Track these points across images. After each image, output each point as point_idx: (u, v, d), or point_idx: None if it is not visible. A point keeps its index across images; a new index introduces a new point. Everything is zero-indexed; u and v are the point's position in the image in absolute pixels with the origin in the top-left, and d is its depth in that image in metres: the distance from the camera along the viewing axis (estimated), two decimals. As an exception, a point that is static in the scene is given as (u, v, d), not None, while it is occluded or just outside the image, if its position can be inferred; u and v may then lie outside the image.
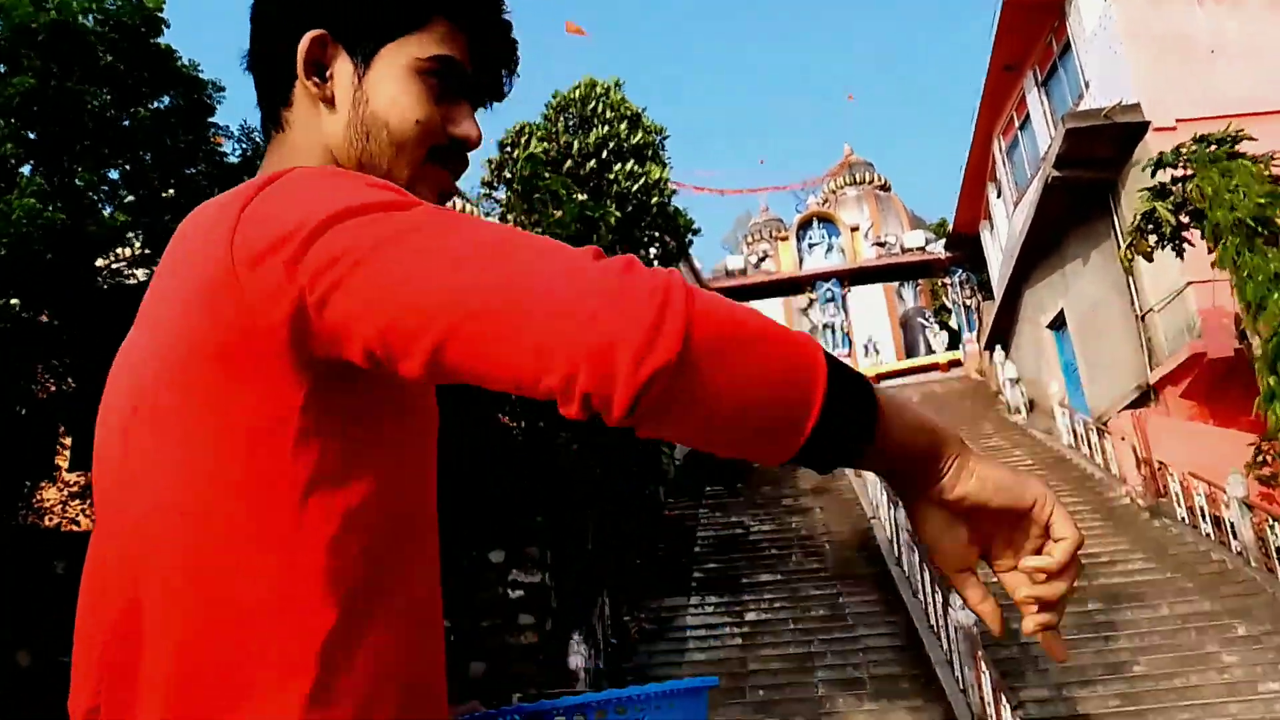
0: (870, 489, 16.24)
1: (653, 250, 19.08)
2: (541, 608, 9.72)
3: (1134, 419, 15.30)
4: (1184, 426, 14.74)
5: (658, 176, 16.94)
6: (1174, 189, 12.59)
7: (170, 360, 0.74)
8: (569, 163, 16.47)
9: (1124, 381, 16.81)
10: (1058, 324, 20.46)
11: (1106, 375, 17.73)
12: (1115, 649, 10.41)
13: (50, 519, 14.54)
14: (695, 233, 19.34)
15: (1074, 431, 17.84)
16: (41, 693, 8.03)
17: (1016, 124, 21.45)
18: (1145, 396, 16.09)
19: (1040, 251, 20.12)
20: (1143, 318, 16.35)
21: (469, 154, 0.95)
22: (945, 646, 10.42)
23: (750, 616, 12.72)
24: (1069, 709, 9.41)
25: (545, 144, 16.99)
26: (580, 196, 14.34)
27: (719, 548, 15.58)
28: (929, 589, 11.30)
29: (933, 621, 11.14)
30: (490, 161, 15.66)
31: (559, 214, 13.67)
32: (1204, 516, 12.78)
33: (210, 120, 15.11)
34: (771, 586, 13.61)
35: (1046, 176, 17.36)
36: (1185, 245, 12.95)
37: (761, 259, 31.62)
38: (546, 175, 14.95)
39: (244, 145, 16.44)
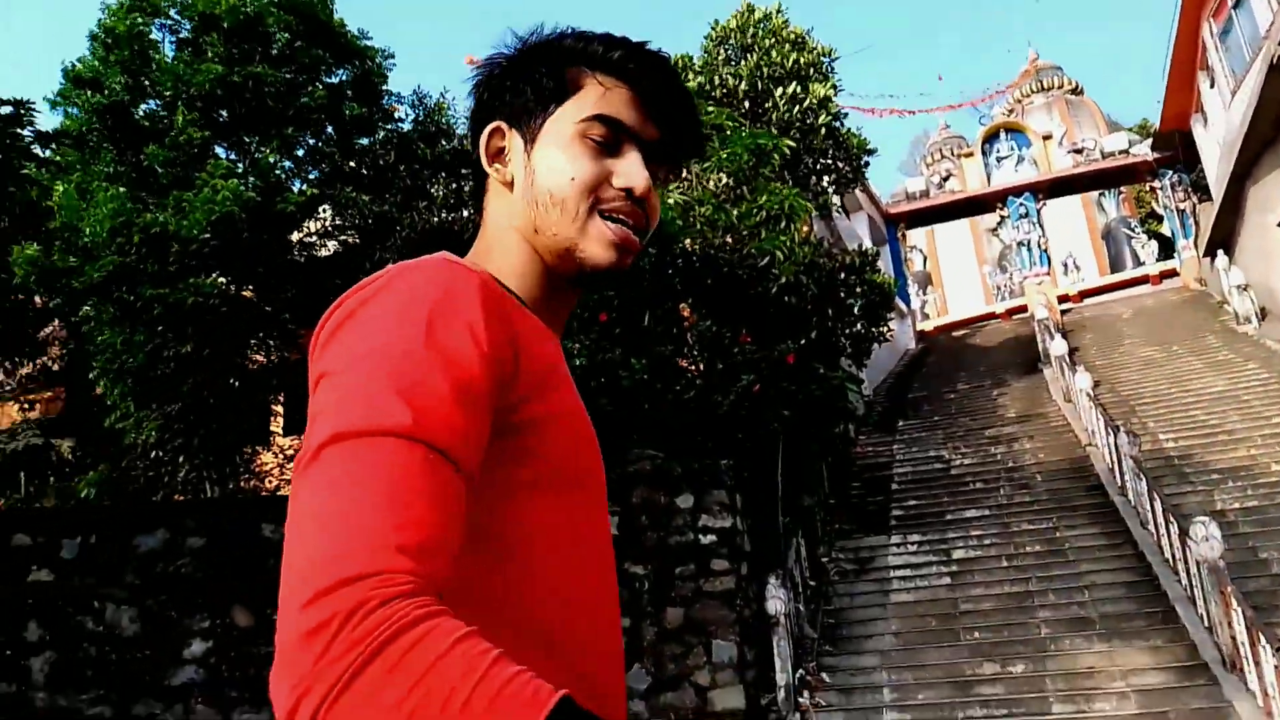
0: (1085, 414, 15.03)
1: (825, 179, 18.23)
2: (735, 551, 9.42)
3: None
4: None
5: (822, 95, 16.03)
6: None
7: None
8: (720, 92, 15.82)
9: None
10: (1292, 220, 18.24)
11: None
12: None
13: (270, 481, 15.45)
14: (870, 153, 18.28)
15: (1319, 338, 15.90)
16: (259, 646, 8.44)
17: (1229, 2, 19.10)
18: None
19: (1266, 143, 17.94)
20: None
21: (645, 204, 0.97)
22: (1184, 582, 9.45)
23: (958, 554, 12.02)
24: (1339, 648, 8.32)
25: (701, 77, 16.39)
26: (747, 128, 13.72)
27: (918, 484, 14.85)
28: (1162, 520, 10.28)
29: (1168, 554, 10.13)
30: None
31: (727, 151, 13.12)
32: None
33: (383, 89, 15.37)
34: (979, 522, 12.82)
35: (1271, 55, 15.35)
36: None
37: (945, 179, 29.86)
38: (710, 109, 14.38)
39: (417, 111, 16.70)
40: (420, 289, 0.81)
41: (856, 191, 26.09)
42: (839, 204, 21.86)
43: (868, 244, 21.14)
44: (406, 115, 17.15)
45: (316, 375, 0.79)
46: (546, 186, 0.94)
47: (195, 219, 11.82)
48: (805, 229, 16.19)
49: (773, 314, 12.54)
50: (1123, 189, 39.48)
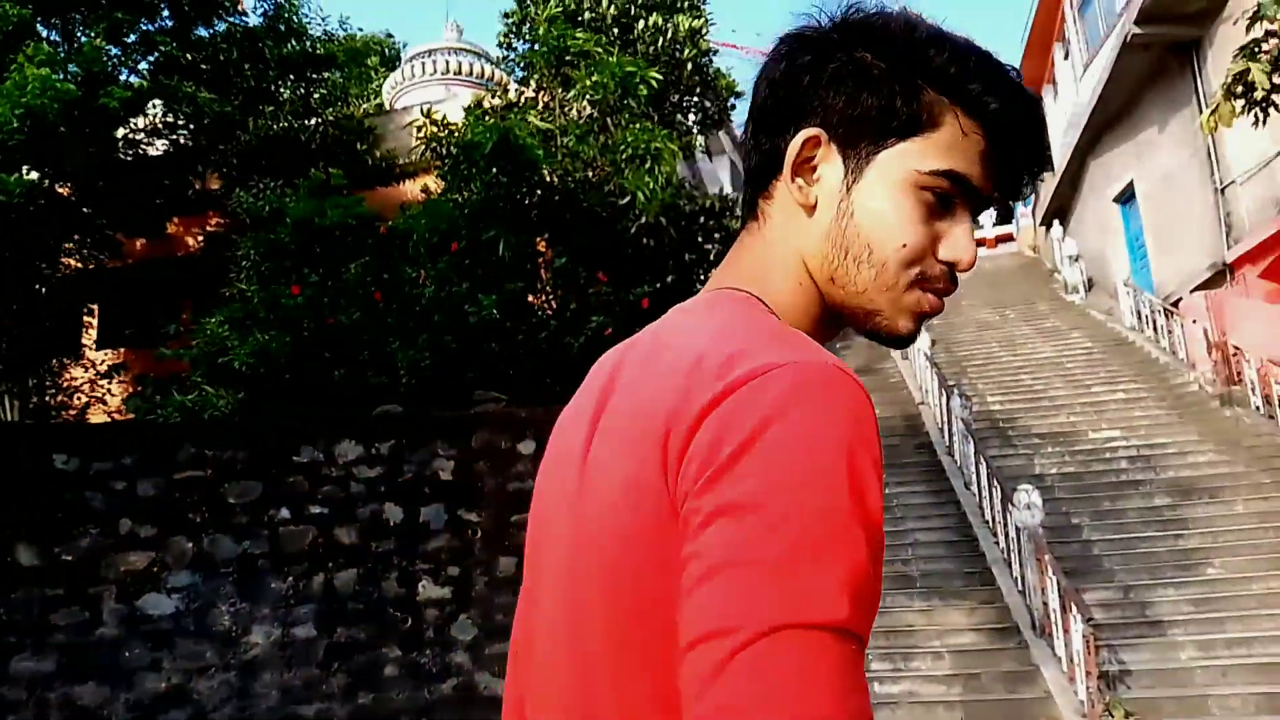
0: (920, 373, 15.48)
1: (691, 117, 17.92)
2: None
3: (1207, 299, 14.30)
4: (1264, 308, 13.72)
5: (689, 28, 15.63)
6: (1270, 46, 11.27)
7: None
8: (590, 16, 15.23)
9: (1196, 260, 15.70)
10: (1125, 197, 19.17)
11: (1177, 253, 16.60)
12: (1186, 548, 9.76)
13: (79, 399, 14.25)
14: (738, 95, 18.04)
15: (1138, 312, 16.83)
16: (44, 588, 7.70)
17: (1091, -24, 19.69)
18: (1220, 276, 15.01)
19: (1112, 118, 18.70)
20: (1223, 190, 15.11)
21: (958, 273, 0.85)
22: (1002, 545, 9.83)
23: (793, 506, 12.17)
24: (1138, 613, 8.83)
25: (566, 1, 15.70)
26: (616, 56, 13.20)
27: (760, 433, 14.97)
28: (984, 482, 10.65)
29: (988, 517, 10.53)
30: (507, 15, 14.50)
31: (593, 79, 12.58)
32: (1284, 406, 11.92)
33: (230, -22, 14.07)
34: (815, 475, 13.01)
35: (1125, 33, 15.87)
36: (1275, 109, 11.70)
37: (806, 128, 29.98)
38: (578, 35, 13.77)
39: (266, 4, 15.37)
40: (836, 417, 0.68)
41: (721, 134, 25.92)
42: (703, 145, 21.59)
43: (729, 190, 21.04)
44: (256, 8, 15.81)
45: (715, 504, 0.66)
46: (866, 240, 0.81)
47: (2, 110, 10.55)
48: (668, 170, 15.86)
49: (630, 256, 12.24)
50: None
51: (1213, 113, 12.11)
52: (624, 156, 12.32)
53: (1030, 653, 8.32)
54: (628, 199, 12.20)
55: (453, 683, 8.44)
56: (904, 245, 0.81)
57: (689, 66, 16.58)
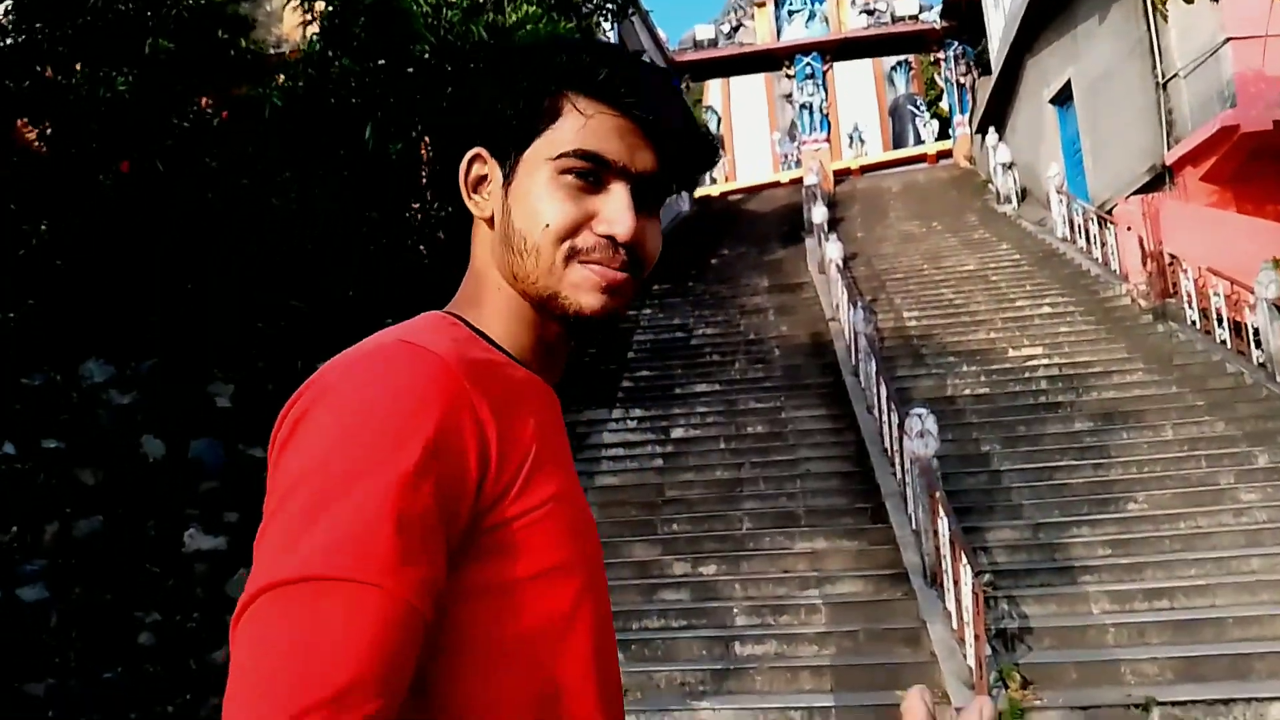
0: (833, 285, 14.06)
1: (592, 2, 16.03)
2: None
3: (1143, 204, 12.95)
4: (1204, 214, 12.44)
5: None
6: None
7: None
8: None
9: (1135, 163, 14.36)
10: (1062, 98, 17.73)
11: (1115, 156, 15.24)
12: (1107, 480, 8.52)
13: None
14: (642, -17, 16.19)
15: (1070, 222, 15.52)
16: None
17: None
18: (1159, 180, 13.68)
19: (1049, 9, 17.14)
20: (1164, 85, 13.69)
21: (637, 250, 0.84)
22: (899, 478, 8.52)
23: (677, 433, 10.80)
24: (1045, 557, 7.58)
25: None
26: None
27: (655, 354, 13.54)
28: (885, 404, 9.30)
29: (887, 444, 9.20)
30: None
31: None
32: (1220, 321, 10.69)
33: None
34: (707, 398, 11.64)
35: (1065, -91, 14.23)
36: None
37: (735, 29, 28.13)
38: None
39: None
40: (369, 395, 0.72)
41: (641, 33, 24.02)
42: (613, 39, 19.62)
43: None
44: None
45: (267, 497, 0.72)
46: (521, 231, 0.83)
47: None
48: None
49: None
50: (913, 66, 39.27)
51: (1157, -15, 10.67)
52: (516, 36, 10.50)
53: (918, 605, 7.03)
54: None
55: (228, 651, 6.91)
56: (547, 225, 0.82)
57: None
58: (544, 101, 0.82)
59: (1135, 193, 13.75)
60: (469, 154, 0.87)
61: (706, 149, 0.88)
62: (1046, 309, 12.93)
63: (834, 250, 14.36)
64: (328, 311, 8.35)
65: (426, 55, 9.56)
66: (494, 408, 0.75)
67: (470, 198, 0.87)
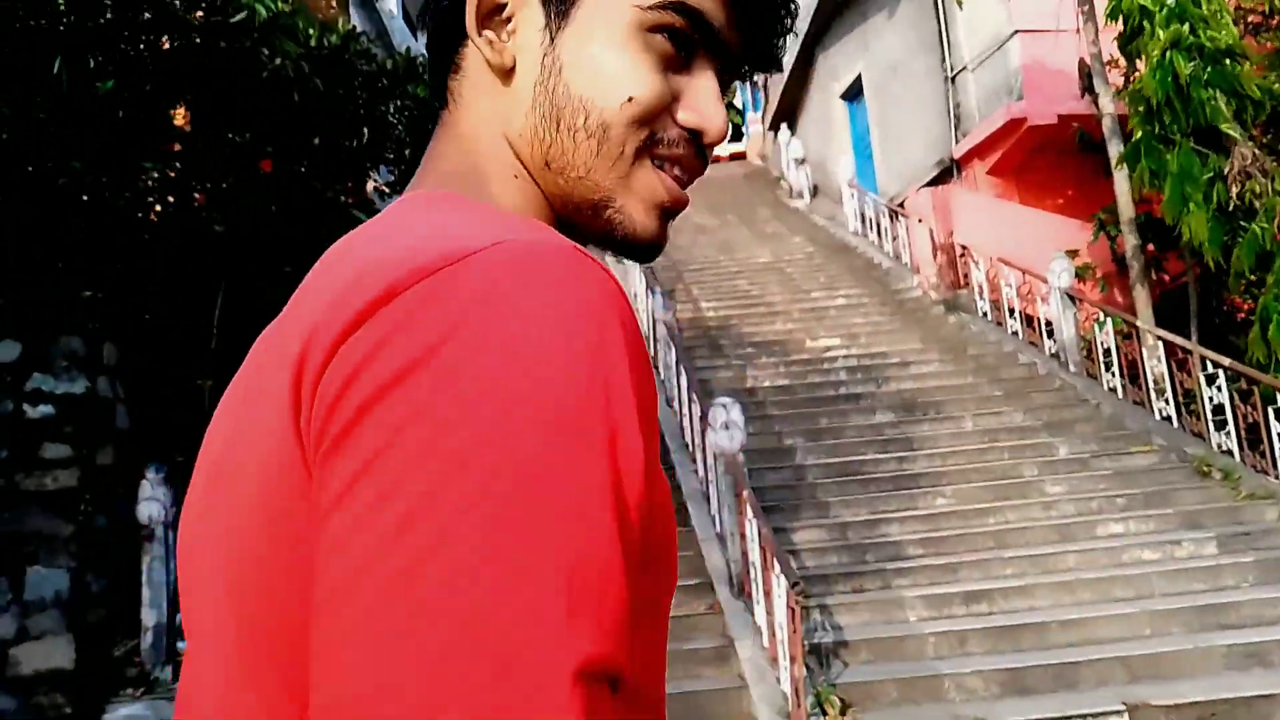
0: (630, 272, 13.27)
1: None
2: (90, 431, 6.18)
3: (933, 197, 12.93)
4: (994, 205, 12.51)
5: None
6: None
7: None
8: None
9: (924, 157, 14.41)
10: (853, 93, 17.80)
11: (904, 150, 15.30)
12: (912, 473, 8.09)
13: None
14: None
15: (862, 215, 15.47)
16: None
17: None
18: (947, 174, 13.75)
19: (840, 5, 17.14)
20: (953, 79, 13.78)
21: (708, 154, 0.64)
22: (701, 475, 7.76)
23: (457, 431, 9.63)
24: (855, 559, 6.99)
25: None
26: None
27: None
28: (685, 395, 8.55)
29: (688, 439, 8.45)
30: None
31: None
32: (1012, 313, 10.65)
33: None
34: (491, 392, 10.52)
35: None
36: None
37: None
38: None
39: None
40: (563, 317, 0.45)
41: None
42: None
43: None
44: None
45: (352, 468, 0.43)
46: (580, 99, 0.59)
47: None
48: (331, 11, 12.70)
49: (279, 121, 8.99)
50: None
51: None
52: None
53: (725, 620, 6.24)
54: (242, 15, 8.75)
55: None
56: (630, 98, 0.59)
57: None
58: None
59: (924, 186, 13.77)
60: None
61: (786, 36, 0.65)
62: (841, 300, 12.67)
63: (629, 236, 13.58)
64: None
65: None
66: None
67: (480, 30, 0.61)
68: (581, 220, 0.62)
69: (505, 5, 0.61)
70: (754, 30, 0.63)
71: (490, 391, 0.42)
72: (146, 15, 8.08)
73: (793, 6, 0.65)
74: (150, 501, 6.35)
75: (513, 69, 0.61)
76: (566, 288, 0.46)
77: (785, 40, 0.66)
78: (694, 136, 0.62)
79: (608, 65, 0.59)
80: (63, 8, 7.68)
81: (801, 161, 19.42)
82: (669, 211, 0.63)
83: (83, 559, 5.99)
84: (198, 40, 8.47)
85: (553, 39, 0.60)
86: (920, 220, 12.90)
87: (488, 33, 0.62)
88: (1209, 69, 7.17)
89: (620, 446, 0.43)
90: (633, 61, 0.59)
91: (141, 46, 8.30)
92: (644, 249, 0.63)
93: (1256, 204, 7.27)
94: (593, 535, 0.41)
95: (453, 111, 0.64)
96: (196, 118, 8.95)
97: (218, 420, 0.59)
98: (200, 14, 8.53)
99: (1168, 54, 7.17)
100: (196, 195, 9.15)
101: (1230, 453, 7.84)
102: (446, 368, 0.42)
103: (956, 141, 13.50)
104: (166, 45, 8.56)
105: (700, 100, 0.61)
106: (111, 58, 7.55)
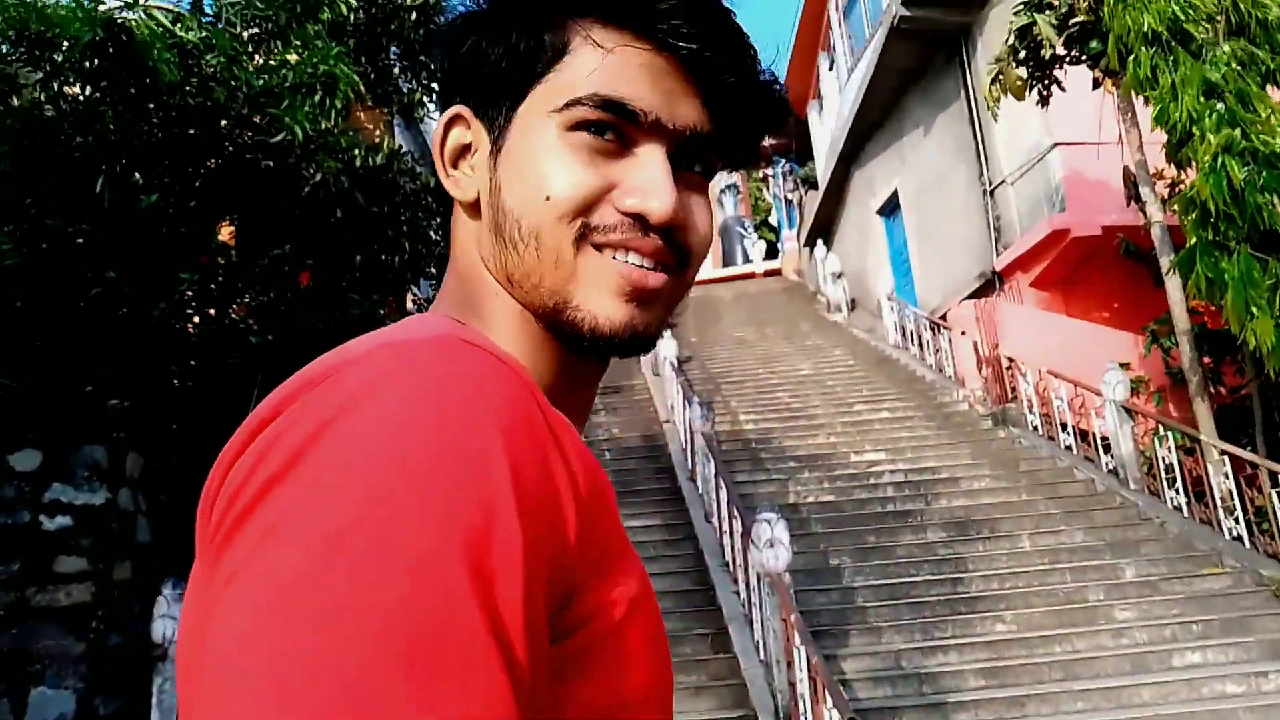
0: (667, 385, 13.08)
1: (411, 76, 14.99)
2: (108, 544, 5.97)
3: (977, 309, 12.70)
4: (1039, 317, 12.23)
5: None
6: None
7: None
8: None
9: (965, 269, 14.24)
10: (889, 209, 17.80)
11: (944, 263, 15.15)
12: (969, 596, 7.61)
13: None
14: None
15: (902, 328, 15.25)
16: None
17: (856, -21, 18.39)
18: (989, 286, 13.54)
19: (875, 123, 17.31)
20: (992, 192, 13.71)
21: (676, 235, 0.62)
22: (743, 596, 7.34)
23: (489, 548, 9.30)
24: (912, 690, 6.49)
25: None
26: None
27: (469, 456, 12.07)
28: (725, 510, 8.20)
29: (729, 556, 8.05)
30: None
31: None
32: (1065, 426, 10.24)
33: None
34: (525, 507, 10.22)
35: (893, 17, 14.33)
36: (1055, 89, 10.20)
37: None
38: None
39: None
40: (433, 414, 0.46)
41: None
42: (431, 109, 18.48)
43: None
44: None
45: (225, 572, 0.44)
46: (514, 211, 0.61)
47: None
48: (379, 133, 13.02)
49: (320, 236, 9.10)
50: (740, 189, 40.35)
51: (993, 82, 10.48)
52: (287, 83, 9.12)
53: (771, 758, 5.76)
54: (281, 136, 8.89)
55: None
56: (548, 197, 0.59)
57: (413, 15, 13.65)
58: (544, 33, 0.61)
59: (966, 299, 13.56)
60: (446, 115, 0.65)
61: (775, 99, 0.64)
62: (885, 414, 12.33)
63: (668, 349, 13.43)
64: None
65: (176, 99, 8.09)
66: (573, 447, 0.52)
67: (448, 174, 0.66)
68: (555, 329, 0.61)
69: (471, 144, 0.64)
70: (715, 104, 0.61)
71: (337, 502, 0.42)
72: (192, 132, 8.22)
73: (745, 72, 0.62)
74: (165, 619, 6.07)
75: (477, 200, 0.64)
76: (428, 380, 0.46)
77: (761, 113, 0.64)
78: (640, 221, 0.59)
79: (529, 173, 0.60)
80: (111, 125, 7.84)
81: (839, 276, 19.37)
82: (636, 296, 0.59)
83: (93, 680, 5.69)
84: (246, 157, 8.61)
85: (494, 164, 0.62)
86: (964, 332, 12.64)
87: (455, 172, 0.65)
88: (1264, 173, 6.96)
89: (493, 538, 0.42)
90: (555, 162, 0.59)
91: (188, 165, 8.44)
92: (619, 341, 0.60)
93: (1326, 311, 6.94)
94: (433, 617, 0.40)
95: (451, 247, 0.68)
96: (241, 233, 9.05)
97: None
98: (249, 134, 8.68)
99: (1220, 158, 6.98)
100: (235, 308, 9.18)
101: (1311, 575, 7.31)
102: (303, 478, 0.43)
103: (998, 254, 13.34)
104: (212, 164, 8.71)
105: (639, 182, 0.59)
106: (157, 173, 7.64)
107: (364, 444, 0.43)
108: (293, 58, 9.27)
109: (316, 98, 9.12)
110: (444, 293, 0.67)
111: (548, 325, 0.61)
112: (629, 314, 0.59)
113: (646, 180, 0.59)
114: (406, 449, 0.43)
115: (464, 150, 0.65)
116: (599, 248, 0.60)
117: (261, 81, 8.84)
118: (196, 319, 8.70)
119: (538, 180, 0.60)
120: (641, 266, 0.60)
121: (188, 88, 8.39)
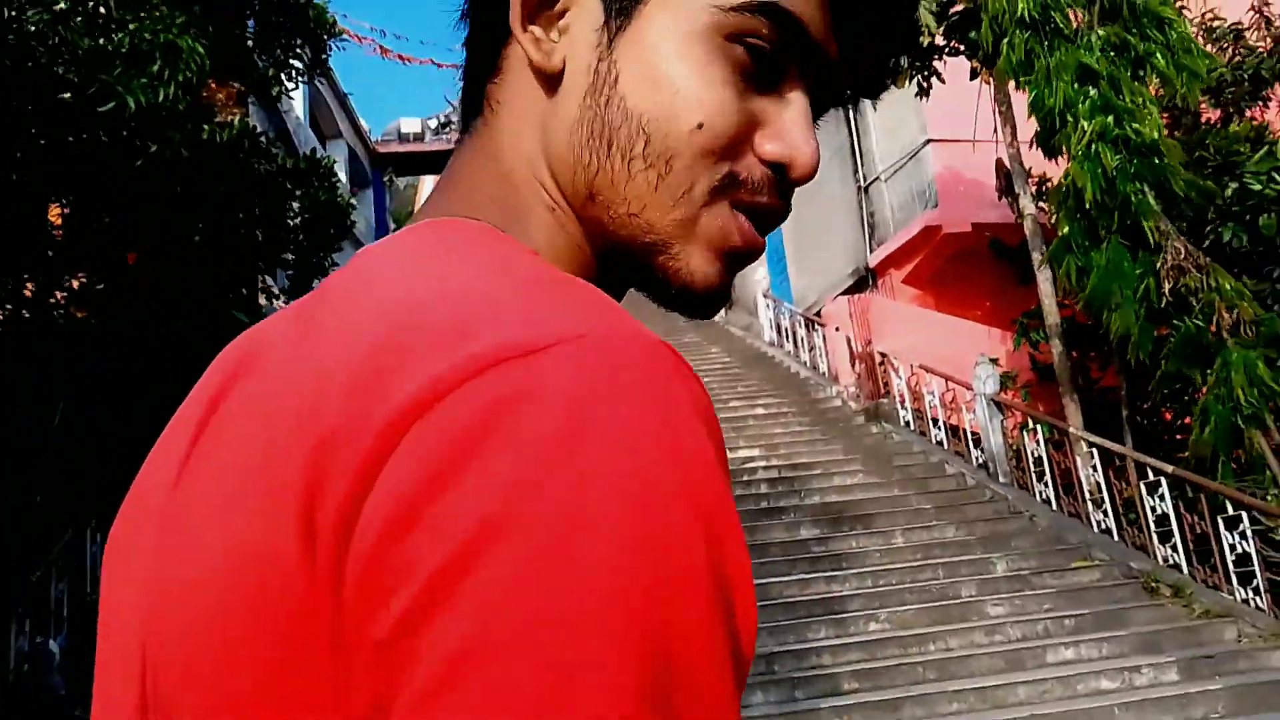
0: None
1: (278, 53, 13.99)
2: None
3: (851, 305, 12.60)
4: (912, 313, 12.20)
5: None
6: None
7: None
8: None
9: (839, 266, 14.18)
10: (766, 206, 17.70)
11: (819, 261, 15.07)
12: (843, 595, 7.32)
13: None
14: (336, 35, 14.28)
15: (778, 326, 15.11)
16: None
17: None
18: (862, 283, 13.50)
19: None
20: (866, 188, 13.68)
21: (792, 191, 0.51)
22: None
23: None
24: (784, 695, 6.08)
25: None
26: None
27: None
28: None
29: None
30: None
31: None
32: (936, 422, 10.15)
33: None
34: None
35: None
36: (935, 81, 10.12)
37: (445, 124, 26.92)
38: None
39: None
40: (670, 454, 0.35)
41: (339, 116, 22.13)
42: (292, 88, 17.46)
43: (343, 179, 17.32)
44: None
45: (441, 652, 0.33)
46: (639, 119, 0.47)
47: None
48: (225, 105, 12.13)
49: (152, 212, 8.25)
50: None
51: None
52: (118, 47, 8.19)
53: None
54: (113, 105, 7.93)
55: None
56: (700, 124, 0.47)
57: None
58: None
59: (840, 295, 13.47)
60: None
61: (909, 14, 0.52)
62: (760, 410, 12.08)
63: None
64: None
65: None
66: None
67: (525, 24, 0.49)
68: (625, 263, 0.50)
69: (558, 9, 0.50)
70: (862, 42, 0.50)
71: (594, 568, 0.32)
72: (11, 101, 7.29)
73: (911, 13, 0.52)
74: (23, 639, 5.19)
75: (560, 75, 0.50)
76: (672, 414, 0.35)
77: (898, 59, 0.53)
78: (776, 172, 0.49)
79: (674, 81, 0.47)
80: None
81: (716, 273, 19.20)
82: (739, 259, 0.50)
83: None
84: (72, 127, 7.72)
85: (610, 42, 0.48)
86: (838, 329, 12.52)
87: (534, 28, 0.50)
88: (1136, 161, 6.90)
89: (736, 624, 0.34)
90: (710, 77, 0.47)
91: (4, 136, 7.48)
92: (700, 303, 0.50)
93: (1192, 299, 6.91)
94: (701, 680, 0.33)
95: (488, 120, 0.53)
96: (73, 212, 8.17)
97: (164, 453, 0.47)
98: (69, 95, 7.74)
99: (1094, 146, 6.89)
100: (57, 294, 8.25)
101: (1178, 567, 7.29)
102: (539, 544, 0.32)
103: (871, 250, 13.29)
104: (33, 132, 7.76)
105: (788, 127, 0.49)
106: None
107: (602, 513, 0.32)
108: (132, 23, 8.39)
109: (155, 67, 8.23)
110: (473, 188, 0.51)
111: (615, 255, 0.50)
112: (724, 282, 0.50)
113: (796, 127, 0.48)
114: (650, 530, 0.33)
115: (548, 1, 0.49)
116: (735, 205, 0.49)
117: (88, 43, 7.91)
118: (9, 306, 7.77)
119: (689, 95, 0.47)
120: (755, 229, 0.50)
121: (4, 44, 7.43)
